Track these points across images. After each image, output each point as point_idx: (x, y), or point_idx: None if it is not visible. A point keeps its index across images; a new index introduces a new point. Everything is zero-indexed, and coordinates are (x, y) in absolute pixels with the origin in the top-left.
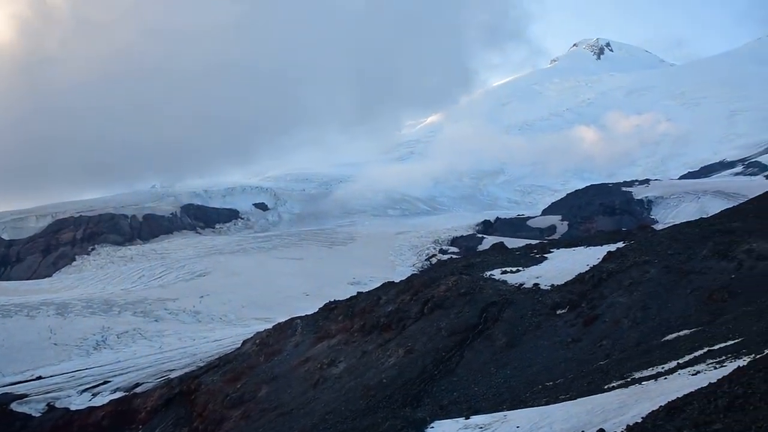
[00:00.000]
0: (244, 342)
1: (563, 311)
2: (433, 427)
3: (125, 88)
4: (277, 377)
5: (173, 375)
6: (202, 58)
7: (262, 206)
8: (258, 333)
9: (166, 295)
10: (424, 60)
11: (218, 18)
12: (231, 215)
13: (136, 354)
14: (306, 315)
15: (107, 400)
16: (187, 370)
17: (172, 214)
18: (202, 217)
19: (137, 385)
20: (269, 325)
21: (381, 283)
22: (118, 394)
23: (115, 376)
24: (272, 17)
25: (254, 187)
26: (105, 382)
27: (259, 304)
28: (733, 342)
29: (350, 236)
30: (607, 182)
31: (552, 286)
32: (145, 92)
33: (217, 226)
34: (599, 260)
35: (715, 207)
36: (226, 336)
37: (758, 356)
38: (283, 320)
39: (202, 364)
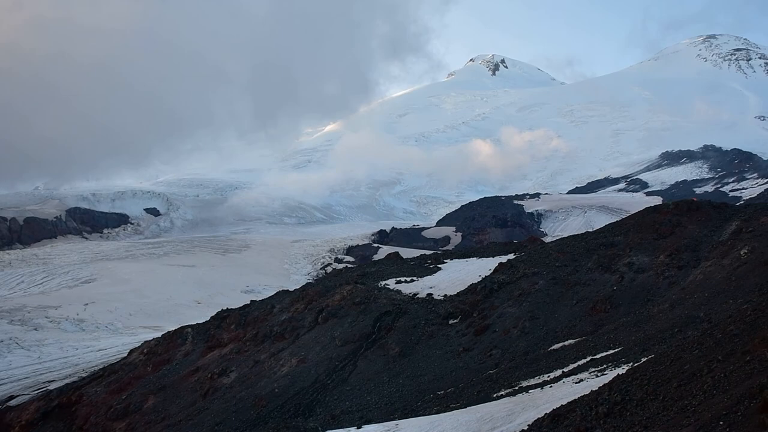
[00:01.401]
0: (131, 351)
1: (455, 321)
2: None
3: (8, 83)
4: (165, 387)
5: (52, 386)
6: (94, 55)
7: (153, 211)
8: (146, 342)
9: (47, 303)
10: (325, 68)
11: (112, 15)
12: (120, 220)
13: (12, 365)
14: (197, 324)
15: None
16: (68, 381)
17: (56, 217)
18: (89, 222)
19: (12, 397)
20: (158, 334)
21: (275, 292)
22: None
23: None
24: (170, 16)
25: (146, 191)
26: None
27: (148, 312)
28: (613, 351)
29: (245, 243)
30: (499, 195)
31: (445, 296)
32: (31, 88)
33: (105, 231)
34: (491, 271)
35: (600, 221)
36: (111, 345)
37: (636, 364)
38: (173, 329)
39: (84, 375)
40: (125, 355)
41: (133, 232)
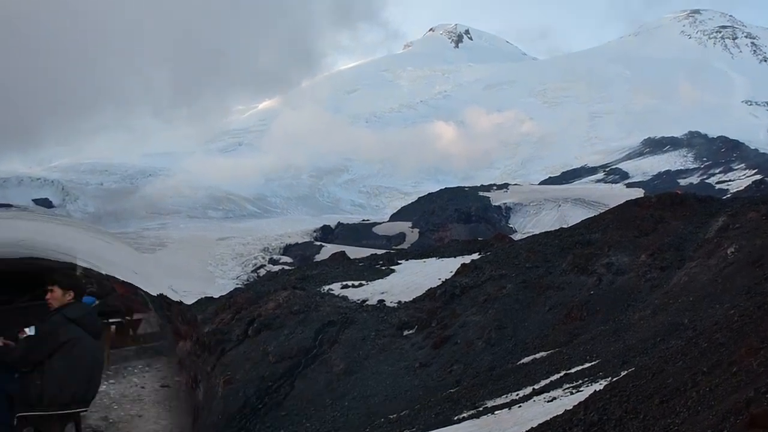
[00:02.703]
0: None
1: (411, 332)
2: None
3: None
4: None
5: None
6: None
7: (45, 203)
8: None
9: None
10: (260, 36)
11: None
12: None
13: None
14: None
15: None
16: None
17: None
18: None
19: None
20: None
21: (196, 299)
22: None
23: None
24: None
25: (35, 178)
26: None
27: None
28: (590, 364)
29: (160, 241)
30: (462, 185)
31: (399, 303)
32: None
33: None
34: (452, 274)
35: (575, 216)
36: None
37: (614, 379)
38: None
39: None
40: None
41: None
